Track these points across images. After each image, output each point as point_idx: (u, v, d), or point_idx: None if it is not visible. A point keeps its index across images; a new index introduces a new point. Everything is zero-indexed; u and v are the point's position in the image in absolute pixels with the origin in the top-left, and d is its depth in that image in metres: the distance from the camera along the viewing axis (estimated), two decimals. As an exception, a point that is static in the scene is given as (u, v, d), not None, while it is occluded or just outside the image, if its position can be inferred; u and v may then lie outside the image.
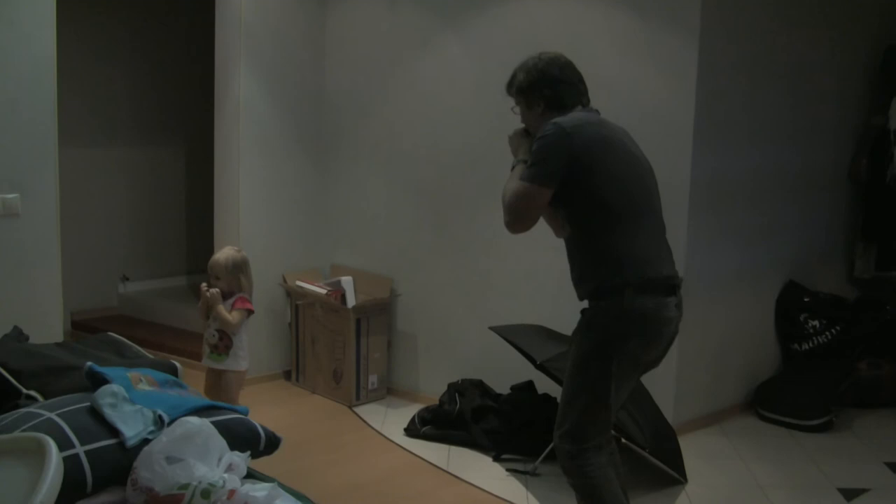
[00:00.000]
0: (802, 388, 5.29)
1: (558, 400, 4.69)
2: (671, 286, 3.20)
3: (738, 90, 4.96)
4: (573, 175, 3.11)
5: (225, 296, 4.35)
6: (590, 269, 3.22)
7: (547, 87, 3.32)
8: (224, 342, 4.35)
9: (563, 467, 3.31)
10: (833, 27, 5.59)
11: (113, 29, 7.16)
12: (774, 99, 5.25)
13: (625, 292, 3.10)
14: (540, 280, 5.07)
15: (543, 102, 3.32)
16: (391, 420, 5.28)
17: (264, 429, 2.83)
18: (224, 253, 4.43)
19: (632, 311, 3.10)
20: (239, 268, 4.38)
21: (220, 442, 2.52)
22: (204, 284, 4.40)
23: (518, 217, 3.20)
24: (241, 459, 2.52)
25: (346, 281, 5.51)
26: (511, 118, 5.10)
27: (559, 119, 3.17)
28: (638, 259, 3.15)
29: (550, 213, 3.28)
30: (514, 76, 3.42)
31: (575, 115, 3.23)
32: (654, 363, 3.36)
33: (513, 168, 3.33)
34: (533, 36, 4.99)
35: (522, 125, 3.46)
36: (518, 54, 4.96)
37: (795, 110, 5.42)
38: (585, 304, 3.27)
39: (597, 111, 3.37)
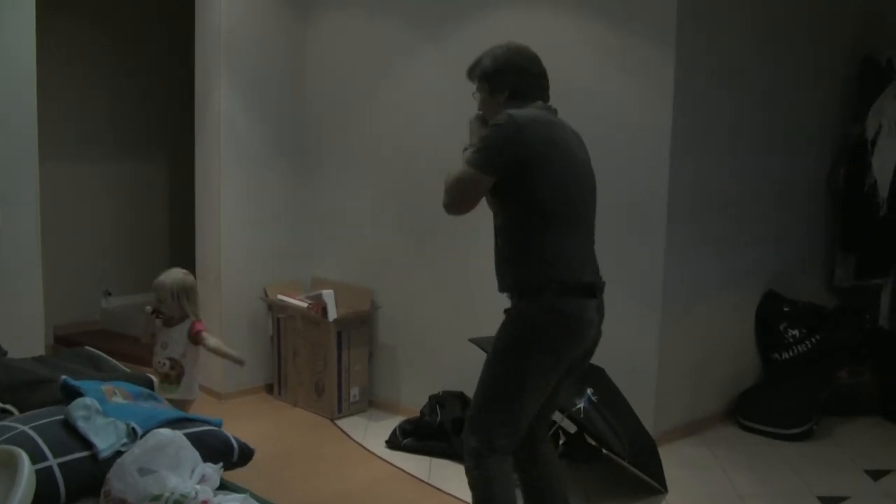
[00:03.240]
0: (783, 396, 5.31)
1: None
2: (592, 290, 3.17)
3: (716, 99, 4.99)
4: (516, 169, 3.07)
5: (173, 321, 4.30)
6: (515, 263, 3.19)
7: (512, 76, 3.26)
8: (176, 371, 4.26)
9: (466, 465, 3.23)
10: (811, 36, 5.63)
11: (95, 43, 7.17)
12: (752, 108, 5.27)
13: (546, 292, 3.08)
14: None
15: (507, 91, 3.26)
16: (373, 432, 5.28)
17: (237, 440, 2.84)
18: (171, 275, 4.33)
19: (553, 310, 3.09)
20: (185, 292, 4.30)
21: (193, 453, 2.53)
22: (149, 308, 4.36)
23: (455, 200, 3.17)
24: (213, 471, 2.53)
25: (328, 294, 5.51)
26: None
27: (514, 111, 3.12)
28: (564, 262, 3.12)
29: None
30: (479, 61, 3.34)
31: (531, 111, 3.18)
32: (578, 366, 3.33)
33: (464, 152, 3.26)
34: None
35: (477, 113, 3.39)
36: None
37: (774, 119, 5.45)
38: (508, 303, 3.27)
39: (555, 110, 3.32)
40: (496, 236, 3.27)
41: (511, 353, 3.15)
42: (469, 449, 3.19)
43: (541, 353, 3.12)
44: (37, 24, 4.68)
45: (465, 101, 5.20)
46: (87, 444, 2.54)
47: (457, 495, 4.41)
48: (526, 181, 3.08)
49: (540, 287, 3.10)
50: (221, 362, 5.69)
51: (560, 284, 3.08)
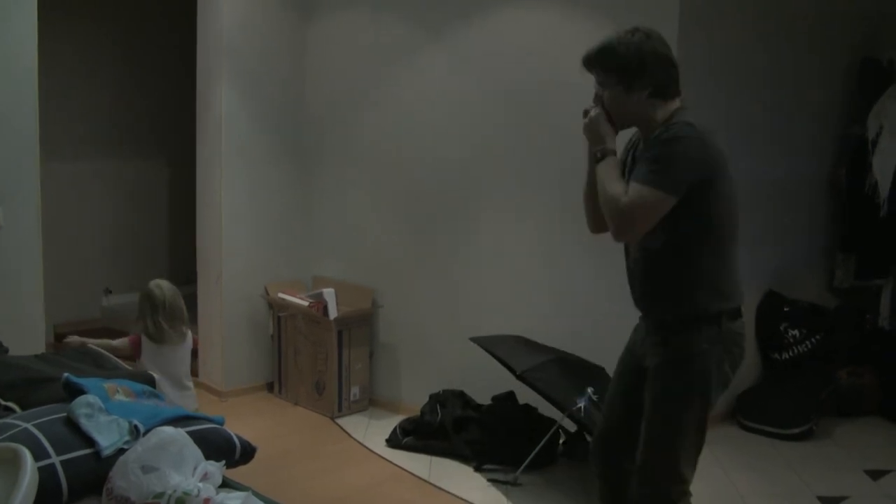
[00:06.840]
0: (783, 397, 5.31)
1: (539, 410, 4.74)
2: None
3: (717, 100, 4.97)
4: (693, 188, 2.75)
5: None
6: (679, 293, 2.88)
7: (658, 70, 2.84)
8: None
9: None
10: (812, 37, 5.62)
11: (97, 42, 7.17)
12: (754, 109, 5.27)
13: (721, 319, 2.84)
14: (522, 291, 5.08)
15: (650, 88, 2.84)
16: (373, 431, 5.28)
17: (240, 438, 2.84)
18: (167, 284, 4.46)
19: (728, 336, 2.86)
20: None
21: (195, 451, 2.53)
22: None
23: (634, 224, 2.77)
24: (216, 468, 2.53)
25: (329, 292, 5.51)
26: (499, 128, 5.10)
27: (693, 120, 2.79)
28: (734, 286, 2.90)
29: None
30: (608, 49, 2.86)
31: (699, 119, 2.84)
32: None
33: (597, 160, 2.88)
34: (515, 48, 5.02)
35: (599, 109, 2.93)
36: (499, 66, 5.04)
37: (775, 120, 5.45)
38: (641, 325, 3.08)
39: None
40: (646, 264, 2.95)
41: (697, 394, 2.88)
42: (666, 499, 2.98)
43: (719, 386, 2.91)
44: (38, 23, 4.67)
45: (466, 100, 5.25)
46: (89, 441, 2.54)
47: (457, 494, 4.41)
48: (698, 200, 2.78)
49: (715, 316, 2.85)
50: (222, 360, 5.72)
51: (733, 311, 2.89)
